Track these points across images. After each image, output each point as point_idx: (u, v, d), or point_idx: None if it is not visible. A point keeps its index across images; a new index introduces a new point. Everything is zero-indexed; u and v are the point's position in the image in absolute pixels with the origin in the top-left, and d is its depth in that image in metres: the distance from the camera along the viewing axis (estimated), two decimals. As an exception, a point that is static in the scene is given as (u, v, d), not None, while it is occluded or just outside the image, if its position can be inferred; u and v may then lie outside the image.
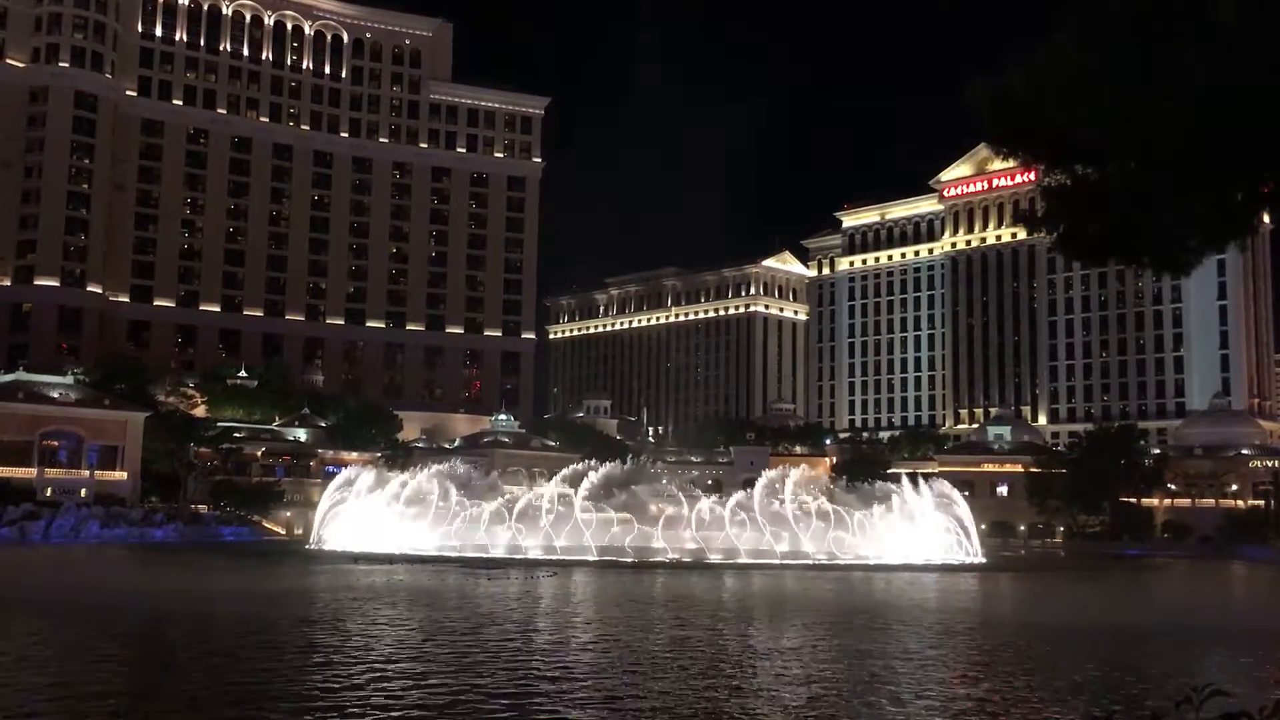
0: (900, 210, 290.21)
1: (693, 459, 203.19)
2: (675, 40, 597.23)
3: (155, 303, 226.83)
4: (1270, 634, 58.13)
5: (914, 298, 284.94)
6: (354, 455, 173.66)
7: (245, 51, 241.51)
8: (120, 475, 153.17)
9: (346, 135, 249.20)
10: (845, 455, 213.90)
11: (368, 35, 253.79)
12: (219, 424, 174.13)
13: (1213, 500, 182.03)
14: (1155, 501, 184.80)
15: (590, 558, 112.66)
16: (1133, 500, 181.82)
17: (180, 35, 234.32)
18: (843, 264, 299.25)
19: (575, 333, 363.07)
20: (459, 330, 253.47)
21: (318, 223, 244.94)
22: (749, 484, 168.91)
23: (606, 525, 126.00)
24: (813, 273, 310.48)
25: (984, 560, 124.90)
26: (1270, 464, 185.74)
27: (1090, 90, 13.32)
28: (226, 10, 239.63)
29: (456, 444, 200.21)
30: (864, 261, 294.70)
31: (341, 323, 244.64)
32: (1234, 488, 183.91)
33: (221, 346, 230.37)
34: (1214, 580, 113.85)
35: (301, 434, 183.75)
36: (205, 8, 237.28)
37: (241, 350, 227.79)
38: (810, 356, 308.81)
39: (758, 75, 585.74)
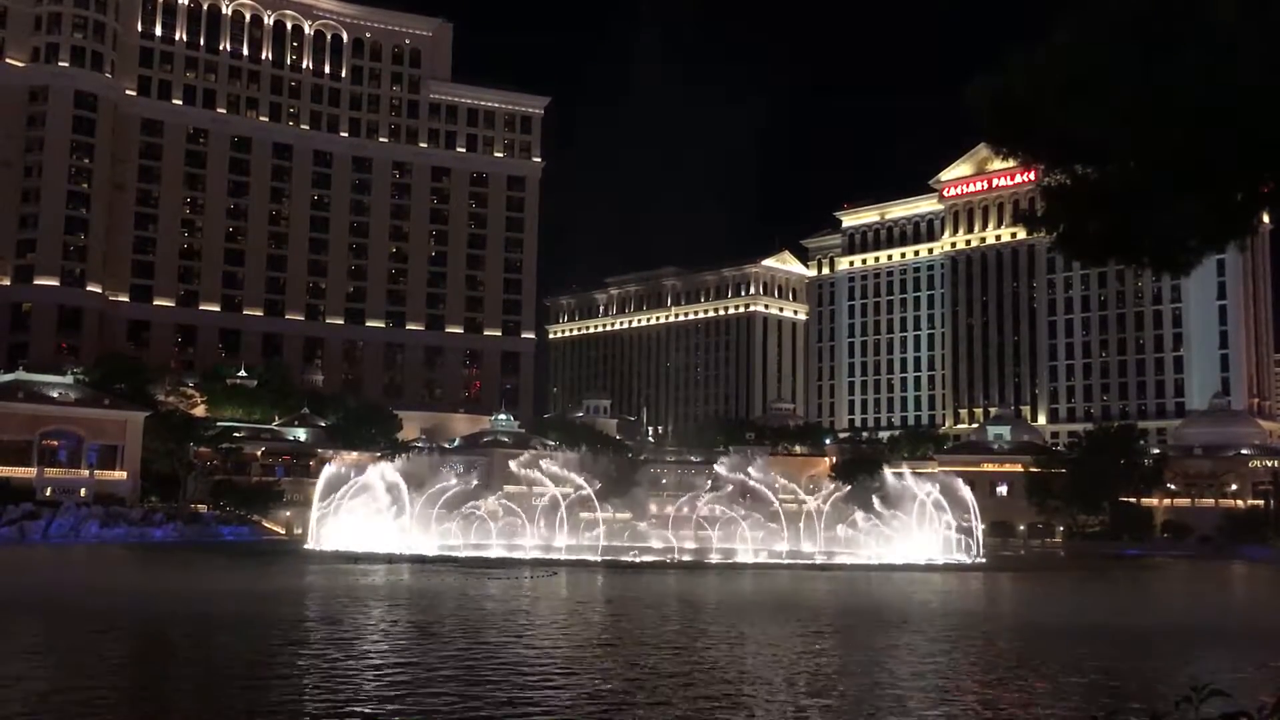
0: (900, 210, 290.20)
1: (692, 459, 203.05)
2: (675, 40, 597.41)
3: (155, 302, 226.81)
4: (1270, 634, 58.14)
5: (914, 297, 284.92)
6: (354, 455, 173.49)
7: (245, 51, 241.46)
8: (120, 475, 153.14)
9: (346, 135, 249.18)
10: (845, 455, 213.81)
11: (367, 35, 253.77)
12: (219, 424, 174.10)
13: (1212, 500, 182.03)
14: (1155, 501, 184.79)
15: (590, 558, 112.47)
16: (1132, 500, 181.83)
17: (180, 35, 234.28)
18: (842, 264, 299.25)
19: (575, 332, 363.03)
20: (459, 330, 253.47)
21: (317, 222, 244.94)
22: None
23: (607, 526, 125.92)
24: (812, 272, 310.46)
25: (984, 560, 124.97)
26: (1270, 464, 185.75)
27: (1090, 90, 13.32)
28: (226, 10, 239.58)
29: (456, 444, 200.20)
30: (864, 261, 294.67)
31: (341, 322, 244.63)
32: (1234, 487, 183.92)
33: (221, 346, 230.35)
34: (1214, 580, 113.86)
35: (301, 434, 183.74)
36: (205, 7, 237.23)
37: (241, 350, 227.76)
38: (810, 356, 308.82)
39: (758, 75, 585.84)
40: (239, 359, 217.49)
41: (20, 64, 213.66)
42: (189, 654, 42.27)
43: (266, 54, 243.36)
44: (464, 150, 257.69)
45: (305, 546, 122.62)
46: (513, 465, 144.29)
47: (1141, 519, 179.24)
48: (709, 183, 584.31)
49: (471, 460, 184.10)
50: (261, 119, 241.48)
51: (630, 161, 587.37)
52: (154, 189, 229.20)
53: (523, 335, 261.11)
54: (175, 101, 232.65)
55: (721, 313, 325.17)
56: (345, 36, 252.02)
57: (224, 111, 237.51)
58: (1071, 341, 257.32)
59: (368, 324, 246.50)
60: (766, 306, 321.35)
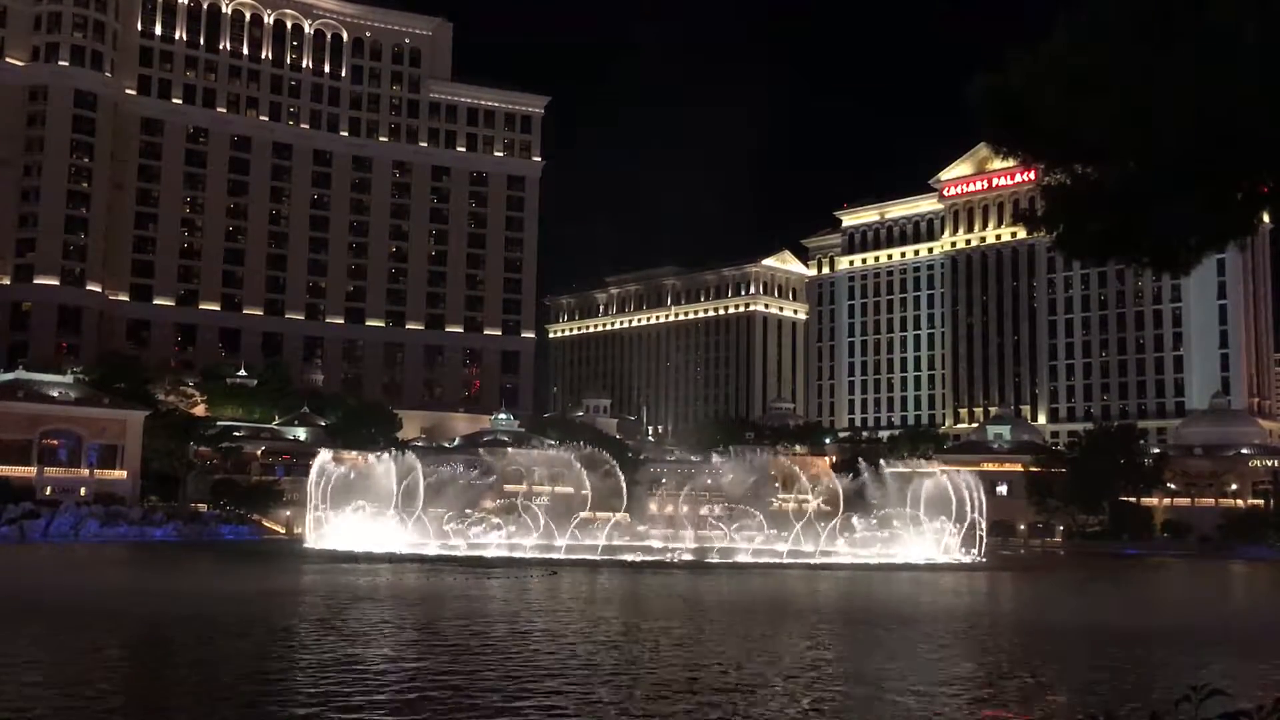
0: (900, 209, 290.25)
1: (692, 458, 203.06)
2: (675, 39, 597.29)
3: (155, 302, 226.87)
4: (1270, 634, 58.14)
5: (914, 297, 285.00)
6: (354, 454, 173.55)
7: (245, 50, 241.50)
8: (120, 474, 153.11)
9: (346, 134, 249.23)
10: (845, 455, 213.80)
11: (367, 34, 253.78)
12: (219, 423, 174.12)
13: (1212, 500, 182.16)
14: (1155, 501, 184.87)
15: (593, 557, 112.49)
16: (1132, 500, 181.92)
17: (180, 34, 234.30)
18: (842, 263, 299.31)
19: (575, 332, 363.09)
20: (459, 329, 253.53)
21: (317, 222, 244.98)
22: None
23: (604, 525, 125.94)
24: (812, 272, 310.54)
25: (984, 560, 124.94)
26: (1270, 463, 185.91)
27: (1090, 90, 13.32)
28: (226, 9, 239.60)
29: (456, 443, 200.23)
30: (864, 261, 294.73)
31: (341, 322, 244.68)
32: (1233, 487, 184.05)
33: (221, 345, 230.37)
34: (1214, 580, 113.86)
35: (301, 433, 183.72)
36: (205, 6, 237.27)
37: (241, 349, 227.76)
38: (810, 356, 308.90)
39: (758, 74, 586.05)
40: (239, 358, 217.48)
41: (20, 63, 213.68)
42: (185, 657, 42.28)
43: (266, 53, 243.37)
44: (464, 150, 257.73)
45: (305, 545, 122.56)
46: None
47: (1141, 518, 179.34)
48: (709, 182, 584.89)
49: (471, 460, 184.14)
50: (261, 118, 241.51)
51: (630, 161, 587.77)
52: (154, 188, 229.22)
53: (523, 334, 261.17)
54: (175, 101, 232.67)
55: (721, 312, 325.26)
56: (345, 36, 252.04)
57: (224, 111, 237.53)
58: (1071, 341, 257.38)
59: (368, 323, 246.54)
60: (766, 306, 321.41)
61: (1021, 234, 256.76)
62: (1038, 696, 35.65)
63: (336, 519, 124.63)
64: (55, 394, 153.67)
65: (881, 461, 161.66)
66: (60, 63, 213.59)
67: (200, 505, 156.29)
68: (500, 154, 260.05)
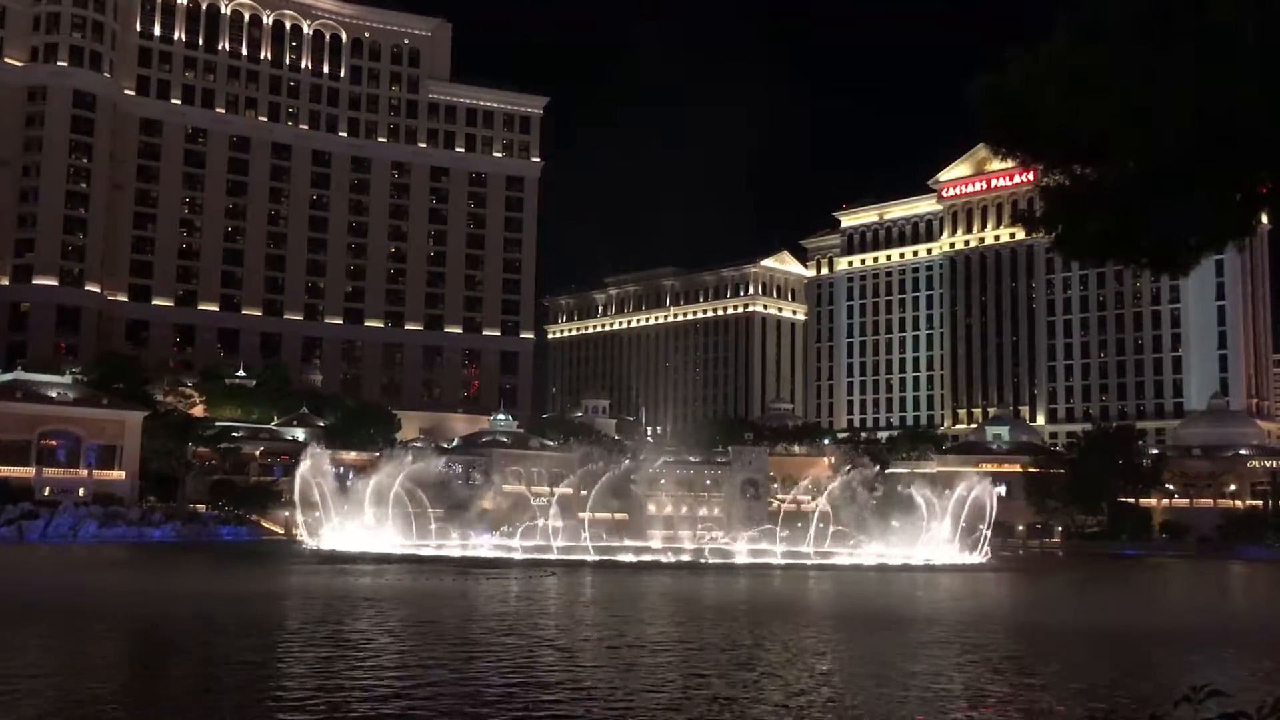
0: (899, 210, 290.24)
1: (691, 459, 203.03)
2: (675, 39, 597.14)
3: (154, 302, 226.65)
4: (1269, 635, 58.14)
5: (912, 298, 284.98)
6: (352, 455, 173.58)
7: (244, 51, 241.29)
8: (118, 475, 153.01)
9: (345, 135, 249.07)
10: (844, 455, 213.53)
11: (366, 35, 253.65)
12: (217, 423, 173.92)
13: (1211, 500, 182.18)
14: (1153, 502, 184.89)
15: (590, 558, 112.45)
16: (1131, 500, 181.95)
17: (179, 34, 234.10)
18: (841, 264, 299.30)
19: (574, 332, 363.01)
20: (458, 330, 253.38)
21: (316, 222, 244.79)
22: (748, 484, 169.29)
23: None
24: (811, 273, 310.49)
25: (984, 560, 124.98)
26: (1268, 464, 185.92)
27: (1089, 90, 13.31)
28: (225, 9, 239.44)
29: (455, 444, 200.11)
30: (862, 261, 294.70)
31: (340, 322, 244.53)
32: (1232, 488, 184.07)
33: (220, 346, 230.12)
34: (1213, 580, 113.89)
35: (300, 433, 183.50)
36: (204, 7, 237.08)
37: (240, 350, 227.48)
38: (809, 356, 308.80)
39: (757, 75, 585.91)
40: (237, 359, 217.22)
41: (19, 63, 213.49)
42: (182, 660, 42.23)
43: (265, 54, 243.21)
44: (463, 150, 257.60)
45: (301, 546, 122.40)
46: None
47: (1140, 519, 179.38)
48: (708, 183, 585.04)
49: (470, 460, 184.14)
50: (260, 119, 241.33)
51: (629, 161, 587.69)
52: (153, 189, 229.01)
53: (521, 335, 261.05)
54: (174, 101, 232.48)
55: (720, 313, 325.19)
56: (344, 36, 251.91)
57: (223, 111, 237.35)
58: (1070, 342, 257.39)
59: (366, 324, 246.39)
60: (765, 307, 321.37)
61: (1020, 235, 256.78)
62: (1037, 697, 35.64)
63: (335, 520, 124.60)
64: (54, 394, 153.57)
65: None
66: (59, 63, 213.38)
67: (199, 506, 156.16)
68: (499, 154, 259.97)
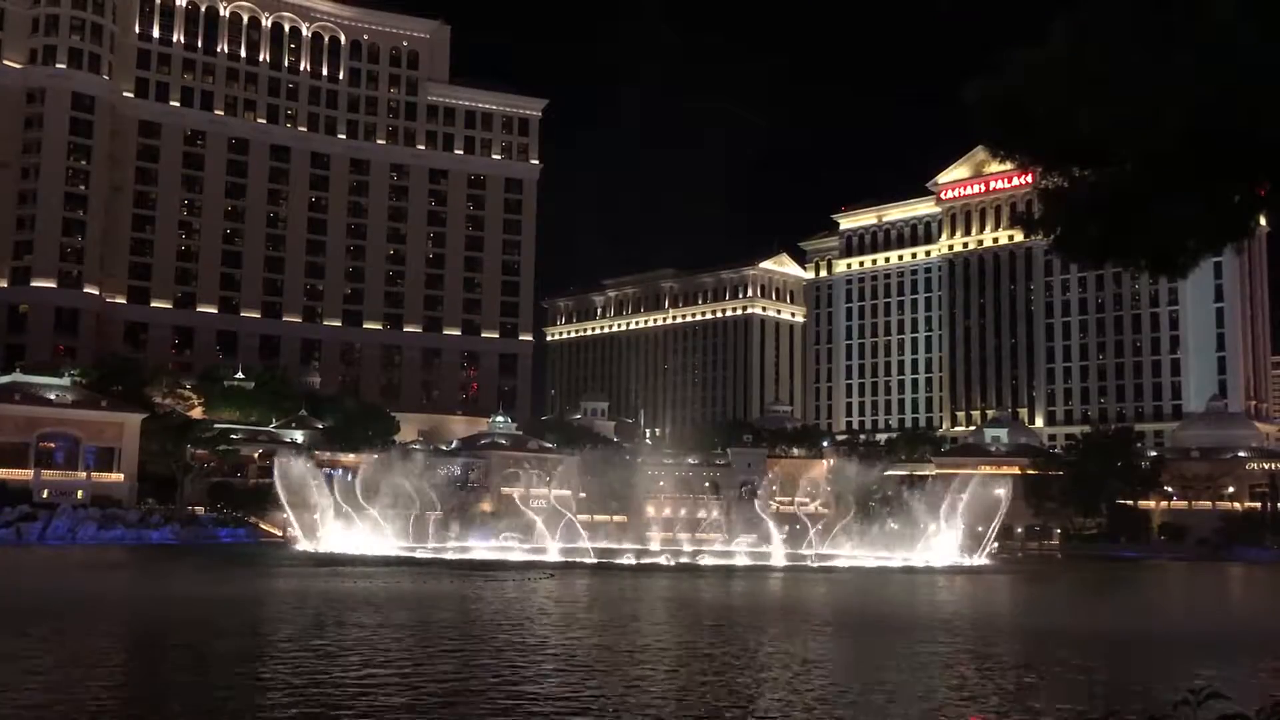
0: (897, 212, 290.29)
1: (690, 461, 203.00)
2: (674, 41, 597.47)
3: (152, 304, 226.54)
4: (1268, 636, 58.11)
5: (911, 300, 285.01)
6: (351, 457, 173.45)
7: (243, 53, 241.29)
8: (117, 477, 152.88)
9: (344, 137, 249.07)
10: (843, 457, 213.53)
11: (365, 37, 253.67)
12: (216, 425, 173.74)
13: (1209, 502, 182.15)
14: (1152, 504, 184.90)
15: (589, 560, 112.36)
16: (1129, 502, 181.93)
17: (178, 37, 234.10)
18: (840, 266, 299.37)
19: (573, 334, 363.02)
20: (456, 332, 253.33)
21: (315, 224, 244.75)
22: (747, 486, 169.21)
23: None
24: (810, 275, 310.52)
25: (985, 562, 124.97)
26: (1267, 466, 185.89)
27: (1088, 92, 13.30)
28: (224, 12, 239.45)
29: (454, 445, 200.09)
30: (861, 264, 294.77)
31: (339, 324, 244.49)
32: (1230, 490, 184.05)
33: (219, 348, 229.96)
34: (1211, 582, 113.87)
35: (299, 435, 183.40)
36: (203, 9, 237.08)
37: (239, 352, 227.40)
38: (807, 358, 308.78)
39: (756, 77, 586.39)
40: (236, 361, 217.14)
41: (18, 66, 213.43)
42: (181, 666, 42.16)
43: (264, 56, 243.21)
44: (462, 152, 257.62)
45: (292, 549, 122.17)
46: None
47: (1139, 521, 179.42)
48: (707, 185, 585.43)
49: (469, 462, 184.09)
50: (259, 121, 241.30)
51: (628, 163, 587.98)
52: (151, 191, 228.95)
53: (520, 337, 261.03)
54: (173, 103, 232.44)
55: (719, 315, 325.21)
56: (343, 38, 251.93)
57: (221, 113, 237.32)
58: (1069, 344, 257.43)
59: (365, 326, 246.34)
60: (764, 309, 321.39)
61: (1019, 237, 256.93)
62: (1037, 699, 35.61)
63: (332, 523, 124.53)
64: (52, 396, 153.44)
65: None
66: (58, 65, 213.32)
67: (197, 508, 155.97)
68: (498, 156, 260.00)
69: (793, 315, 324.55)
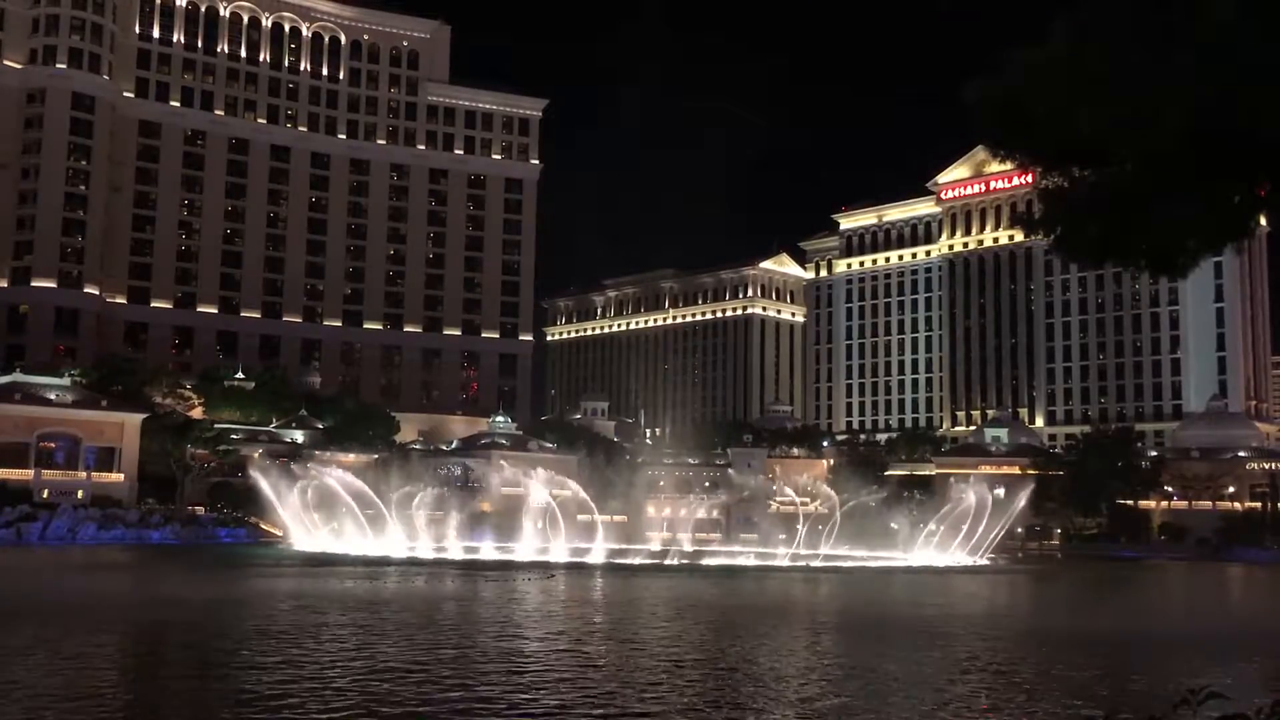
0: (897, 212, 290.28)
1: (690, 461, 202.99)
2: (674, 42, 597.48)
3: (152, 304, 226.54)
4: (1268, 637, 58.12)
5: (911, 300, 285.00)
6: (351, 457, 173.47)
7: (243, 53, 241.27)
8: (117, 477, 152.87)
9: (344, 137, 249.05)
10: (842, 457, 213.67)
11: (365, 37, 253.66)
12: (216, 425, 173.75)
13: (1210, 502, 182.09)
14: (1152, 503, 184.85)
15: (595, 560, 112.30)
16: (1130, 502, 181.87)
17: (178, 37, 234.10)
18: (840, 266, 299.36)
19: (573, 334, 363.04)
20: (456, 332, 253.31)
21: (315, 224, 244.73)
22: (747, 486, 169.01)
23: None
24: (810, 275, 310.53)
25: (986, 562, 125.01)
26: (1267, 466, 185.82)
27: (1088, 92, 13.30)
28: (224, 12, 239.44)
29: (454, 445, 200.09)
30: (861, 264, 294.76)
31: (339, 324, 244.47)
32: (1231, 490, 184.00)
33: (219, 348, 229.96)
34: (1211, 582, 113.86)
35: (299, 435, 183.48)
36: (203, 9, 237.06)
37: (239, 352, 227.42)
38: (807, 358, 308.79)
39: (756, 77, 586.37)
40: (236, 361, 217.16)
41: (18, 66, 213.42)
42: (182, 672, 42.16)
43: (264, 56, 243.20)
44: (462, 152, 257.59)
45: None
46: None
47: (1139, 521, 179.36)
48: (707, 185, 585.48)
49: (469, 462, 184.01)
50: (259, 121, 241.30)
51: (628, 163, 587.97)
52: (151, 191, 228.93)
53: (520, 337, 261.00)
54: (173, 103, 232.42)
55: (719, 315, 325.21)
56: (343, 38, 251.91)
57: (222, 113, 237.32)
58: (1069, 344, 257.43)
59: (365, 326, 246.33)
60: (764, 309, 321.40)
61: (1019, 237, 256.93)
62: (1037, 699, 35.61)
63: (332, 522, 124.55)
64: (52, 396, 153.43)
65: (877, 472, 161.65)
66: (58, 65, 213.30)
67: (197, 508, 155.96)
68: (498, 156, 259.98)
69: (793, 315, 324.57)
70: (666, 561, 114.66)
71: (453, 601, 67.15)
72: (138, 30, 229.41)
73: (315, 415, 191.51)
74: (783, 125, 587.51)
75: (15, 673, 35.80)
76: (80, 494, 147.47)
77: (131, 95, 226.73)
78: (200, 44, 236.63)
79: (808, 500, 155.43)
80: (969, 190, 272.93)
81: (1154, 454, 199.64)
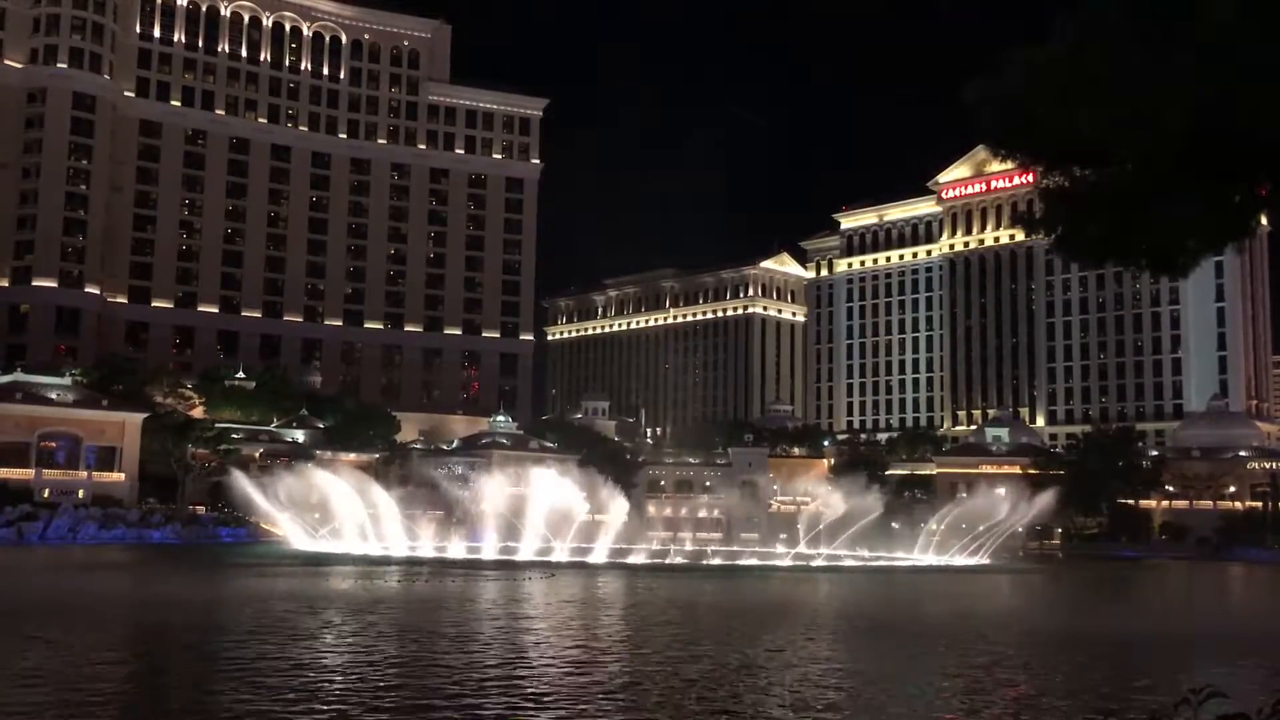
0: (898, 212, 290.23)
1: (690, 460, 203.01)
2: (674, 41, 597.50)
3: (153, 304, 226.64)
4: (1269, 637, 58.12)
5: (912, 299, 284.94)
6: (351, 456, 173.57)
7: (244, 52, 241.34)
8: (118, 476, 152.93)
9: (345, 136, 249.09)
10: (843, 457, 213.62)
11: (366, 36, 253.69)
12: (217, 425, 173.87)
13: (1210, 502, 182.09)
14: (1153, 503, 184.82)
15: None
16: (1130, 502, 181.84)
17: (178, 36, 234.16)
18: (841, 265, 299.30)
19: (573, 334, 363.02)
20: (457, 331, 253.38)
21: (316, 224, 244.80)
22: (748, 486, 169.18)
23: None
24: (811, 274, 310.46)
25: (985, 562, 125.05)
26: (1267, 465, 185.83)
27: (1088, 91, 13.30)
28: (225, 11, 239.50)
29: (454, 445, 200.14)
30: (862, 263, 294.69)
31: (340, 324, 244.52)
32: (1231, 489, 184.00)
33: (219, 347, 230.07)
34: (1213, 582, 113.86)
35: (299, 435, 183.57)
36: (203, 9, 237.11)
37: (239, 351, 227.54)
38: (808, 358, 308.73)
39: (757, 76, 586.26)
40: (237, 360, 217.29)
41: (18, 65, 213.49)
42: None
43: (265, 55, 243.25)
44: (462, 152, 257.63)
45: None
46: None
47: (1139, 521, 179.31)
48: (707, 184, 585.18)
49: (470, 461, 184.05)
50: (260, 120, 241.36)
51: (629, 163, 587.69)
52: (152, 190, 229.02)
53: (521, 337, 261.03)
54: (174, 103, 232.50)
55: (720, 314, 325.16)
56: (344, 38, 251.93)
57: (222, 113, 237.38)
58: (1070, 343, 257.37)
59: (366, 325, 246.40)
60: (765, 308, 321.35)
61: (1020, 236, 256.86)
62: (1037, 699, 35.63)
63: (332, 522, 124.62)
64: (53, 396, 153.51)
65: (878, 472, 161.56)
66: (59, 65, 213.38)
67: (198, 507, 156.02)
68: (499, 156, 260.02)
69: (793, 315, 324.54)
70: (667, 561, 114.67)
71: (452, 601, 67.20)
72: (138, 30, 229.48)
73: (316, 415, 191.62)
74: (783, 124, 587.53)
75: (15, 671, 35.83)
76: (81, 493, 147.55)
77: (132, 95, 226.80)
78: (201, 43, 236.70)
79: (808, 500, 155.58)
80: (970, 190, 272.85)
81: (1155, 453, 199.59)
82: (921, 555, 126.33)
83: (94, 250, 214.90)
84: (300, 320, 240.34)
